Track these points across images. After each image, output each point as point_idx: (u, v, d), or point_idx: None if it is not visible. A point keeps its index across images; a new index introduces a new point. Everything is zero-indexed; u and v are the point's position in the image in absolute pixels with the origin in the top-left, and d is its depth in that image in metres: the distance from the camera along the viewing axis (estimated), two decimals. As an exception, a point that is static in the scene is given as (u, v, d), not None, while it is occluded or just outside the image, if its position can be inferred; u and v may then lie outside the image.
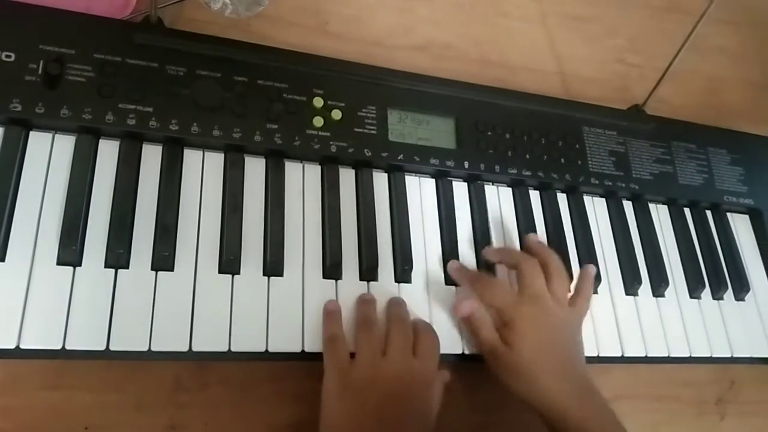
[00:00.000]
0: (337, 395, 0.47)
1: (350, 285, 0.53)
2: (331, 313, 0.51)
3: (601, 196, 0.68)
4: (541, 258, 0.57)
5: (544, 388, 0.51)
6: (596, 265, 0.62)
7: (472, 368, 0.57)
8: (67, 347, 0.45)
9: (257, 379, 0.51)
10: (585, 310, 0.58)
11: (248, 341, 0.49)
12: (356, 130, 0.58)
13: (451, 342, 0.55)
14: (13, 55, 0.49)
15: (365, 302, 0.53)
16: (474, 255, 0.59)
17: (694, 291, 0.66)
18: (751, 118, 0.85)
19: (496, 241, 0.60)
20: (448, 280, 0.57)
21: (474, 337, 0.55)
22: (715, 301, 0.67)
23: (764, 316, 0.68)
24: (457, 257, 0.58)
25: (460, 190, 0.62)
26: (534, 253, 0.58)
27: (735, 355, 0.65)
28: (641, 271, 0.64)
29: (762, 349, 0.67)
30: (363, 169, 0.58)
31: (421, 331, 0.52)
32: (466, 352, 0.55)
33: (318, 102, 0.57)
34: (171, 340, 0.47)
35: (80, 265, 0.47)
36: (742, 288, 0.68)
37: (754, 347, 0.66)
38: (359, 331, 0.51)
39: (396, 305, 0.54)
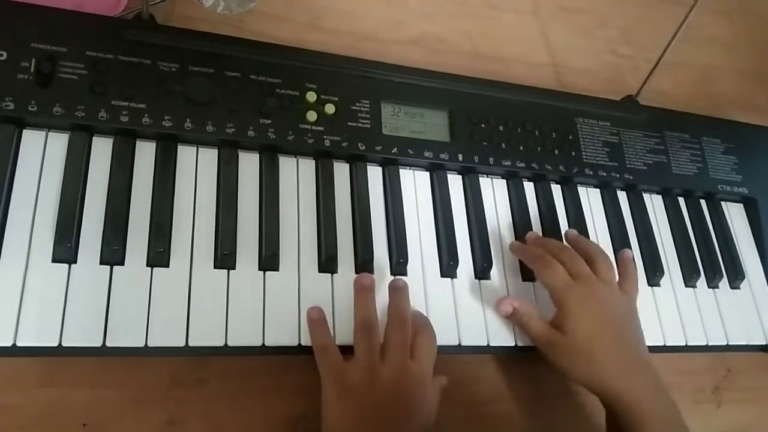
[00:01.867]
0: (336, 400, 0.47)
1: (346, 278, 0.53)
2: (315, 321, 0.51)
3: (596, 187, 0.68)
4: (581, 248, 0.58)
5: (601, 367, 0.52)
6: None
7: (472, 360, 0.58)
8: (64, 344, 0.45)
9: (254, 373, 0.51)
10: (635, 293, 0.58)
11: (245, 336, 0.49)
12: (350, 124, 0.58)
13: (447, 334, 0.55)
14: (4, 54, 0.49)
15: (364, 299, 0.52)
16: (469, 247, 0.59)
17: (690, 280, 0.67)
18: (744, 107, 0.85)
19: (491, 233, 0.60)
20: (444, 273, 0.57)
21: (523, 332, 0.56)
22: (711, 290, 0.68)
23: (759, 304, 0.69)
24: (453, 250, 0.58)
25: (455, 182, 0.62)
26: (573, 245, 0.59)
27: (731, 343, 0.65)
28: (636, 261, 0.64)
29: (757, 337, 0.67)
30: (357, 162, 0.58)
31: (419, 330, 0.52)
32: (463, 343, 0.55)
33: (311, 96, 0.57)
34: (167, 335, 0.47)
35: (75, 262, 0.47)
36: (737, 276, 0.69)
37: (749, 335, 0.67)
38: (358, 334, 0.50)
39: (397, 295, 0.53)
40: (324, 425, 0.47)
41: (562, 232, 0.63)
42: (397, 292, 0.53)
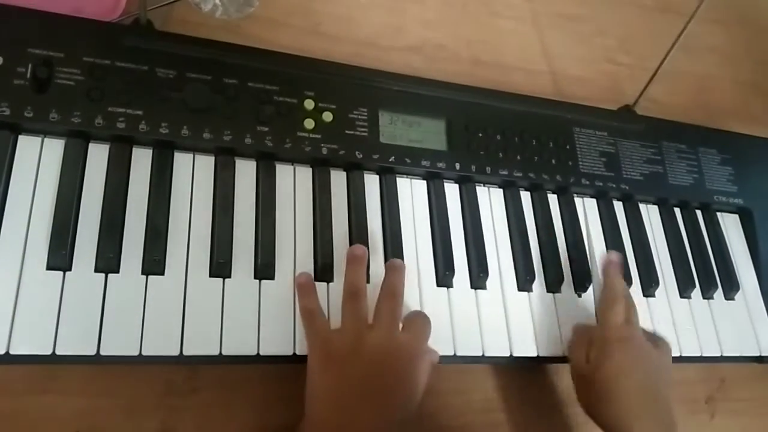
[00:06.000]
0: (320, 367, 0.47)
1: (341, 287, 0.53)
2: (303, 286, 0.51)
3: (592, 197, 0.68)
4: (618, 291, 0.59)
5: (619, 410, 0.52)
6: (587, 265, 0.62)
7: (467, 370, 0.58)
8: (58, 352, 0.44)
9: (248, 382, 0.51)
10: (669, 348, 0.59)
11: (239, 345, 0.49)
12: (347, 132, 0.58)
13: (442, 344, 0.54)
14: (1, 59, 0.49)
15: (355, 268, 0.51)
16: (465, 256, 0.59)
17: (685, 291, 0.67)
18: (741, 117, 0.85)
19: (488, 242, 0.60)
20: (440, 282, 0.57)
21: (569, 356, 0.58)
22: (705, 301, 0.68)
23: (754, 315, 0.69)
24: (450, 259, 0.57)
25: (452, 191, 0.62)
26: (609, 282, 0.60)
27: (725, 354, 0.65)
28: (632, 272, 0.65)
29: (751, 348, 0.67)
30: (354, 171, 0.58)
31: (415, 312, 0.52)
32: (459, 353, 0.55)
33: (309, 104, 0.57)
34: (162, 344, 0.47)
35: (70, 269, 0.47)
36: (731, 287, 0.69)
37: (743, 346, 0.67)
38: (346, 301, 0.50)
39: (393, 272, 0.52)
40: (307, 393, 0.47)
41: (559, 243, 0.63)
42: (394, 270, 0.53)
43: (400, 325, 0.50)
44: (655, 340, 0.58)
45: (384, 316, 0.49)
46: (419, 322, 0.51)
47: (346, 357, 0.47)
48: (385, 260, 0.56)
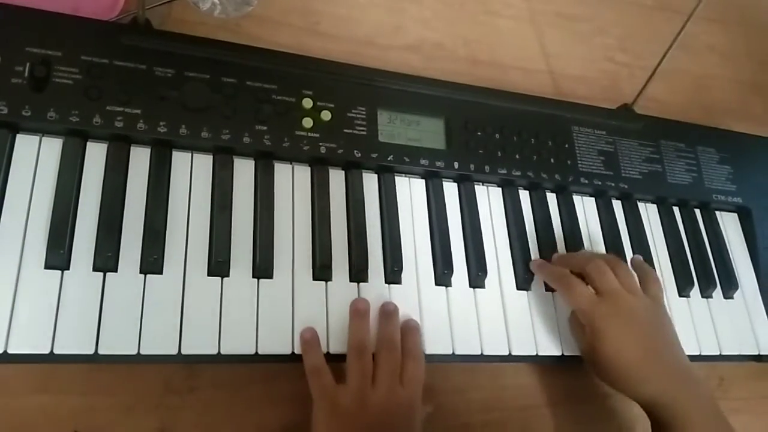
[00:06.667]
0: (326, 422, 0.48)
1: (340, 287, 0.53)
2: (308, 342, 0.50)
3: (591, 196, 0.68)
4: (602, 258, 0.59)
5: (637, 380, 0.53)
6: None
7: (465, 369, 0.58)
8: (56, 351, 0.44)
9: (247, 381, 0.51)
10: (661, 294, 0.59)
11: (238, 344, 0.49)
12: (346, 131, 0.58)
13: (441, 343, 0.55)
14: (-1, 58, 0.49)
15: (359, 323, 0.52)
16: (464, 255, 0.59)
17: (683, 289, 0.67)
18: (739, 116, 0.85)
19: (486, 241, 0.60)
20: (438, 281, 0.57)
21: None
22: (704, 300, 0.68)
23: (752, 314, 0.69)
24: (448, 258, 0.58)
25: (450, 190, 0.62)
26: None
27: (723, 353, 0.65)
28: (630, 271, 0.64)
29: (750, 347, 0.67)
30: (353, 170, 0.58)
31: (408, 355, 0.52)
32: (457, 352, 0.55)
33: (307, 103, 0.57)
34: (160, 343, 0.47)
35: (68, 268, 0.47)
36: (730, 286, 0.69)
37: (742, 345, 0.67)
38: (351, 357, 0.51)
39: (388, 321, 0.53)
40: None
41: (557, 241, 0.63)
42: (388, 317, 0.53)
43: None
44: (646, 286, 0.58)
45: (385, 374, 0.50)
46: (415, 371, 0.51)
47: (352, 413, 0.48)
48: (385, 261, 0.56)
